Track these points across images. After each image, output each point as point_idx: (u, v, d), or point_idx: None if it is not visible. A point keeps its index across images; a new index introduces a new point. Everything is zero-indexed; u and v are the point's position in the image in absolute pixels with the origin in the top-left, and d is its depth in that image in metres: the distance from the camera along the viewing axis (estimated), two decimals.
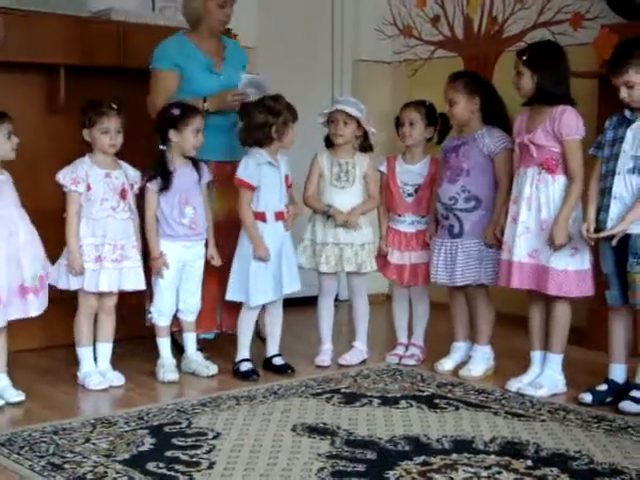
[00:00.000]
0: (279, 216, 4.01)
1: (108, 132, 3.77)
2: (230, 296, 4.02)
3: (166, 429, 3.26)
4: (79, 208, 3.75)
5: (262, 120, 3.92)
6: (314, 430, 3.26)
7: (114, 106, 3.81)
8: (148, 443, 3.10)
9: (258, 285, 3.95)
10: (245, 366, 4.05)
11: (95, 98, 3.86)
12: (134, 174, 3.91)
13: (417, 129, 4.16)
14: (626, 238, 3.48)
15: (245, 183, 3.94)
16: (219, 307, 4.27)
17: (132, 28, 4.73)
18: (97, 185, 3.76)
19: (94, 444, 3.09)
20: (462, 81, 4.03)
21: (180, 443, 3.11)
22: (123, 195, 3.83)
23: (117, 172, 3.84)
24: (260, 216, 3.98)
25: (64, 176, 3.74)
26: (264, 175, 3.96)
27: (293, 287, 4.05)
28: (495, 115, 4.03)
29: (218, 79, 4.29)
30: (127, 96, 4.60)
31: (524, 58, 3.71)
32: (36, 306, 3.61)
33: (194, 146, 3.94)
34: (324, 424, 3.33)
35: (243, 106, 4.07)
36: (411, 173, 4.23)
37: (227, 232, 4.18)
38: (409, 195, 4.22)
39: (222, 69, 4.33)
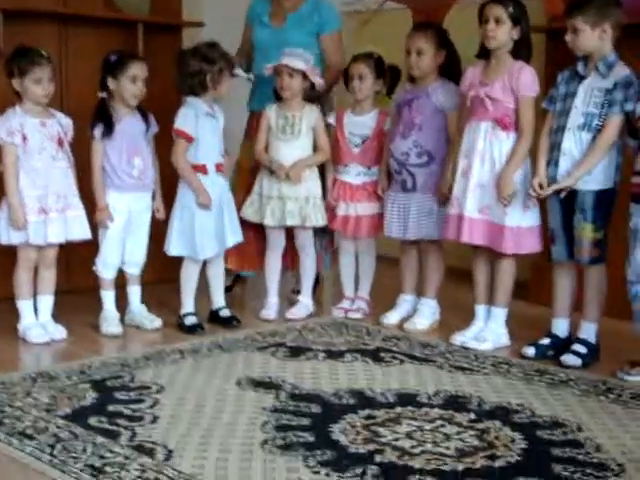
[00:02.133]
0: (219, 167, 3.97)
1: (41, 82, 3.65)
2: (172, 251, 3.96)
3: (108, 383, 3.22)
4: (16, 160, 3.64)
5: (197, 68, 3.85)
6: (259, 384, 3.25)
7: (45, 54, 3.70)
8: (90, 397, 3.06)
9: (204, 237, 3.92)
10: (190, 320, 4.02)
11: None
12: (67, 122, 3.81)
13: (367, 82, 4.11)
14: (574, 194, 3.49)
15: (183, 133, 3.88)
16: None
17: None
18: (33, 135, 3.65)
19: (35, 398, 3.03)
20: (433, 32, 3.98)
21: (123, 397, 3.07)
22: (60, 143, 3.73)
23: (51, 120, 3.74)
24: (201, 168, 3.93)
25: None
26: (203, 126, 3.91)
27: (236, 239, 4.03)
28: (451, 70, 3.99)
29: (271, 32, 4.33)
30: (66, 44, 4.57)
31: (510, 9, 3.65)
32: None
33: (133, 94, 3.84)
34: (269, 378, 3.32)
35: (179, 54, 4.04)
36: (359, 124, 4.19)
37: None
38: (356, 146, 4.18)
39: (283, 24, 4.32)
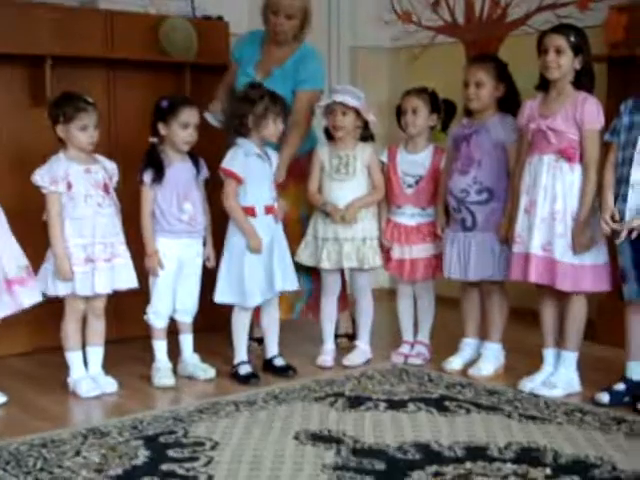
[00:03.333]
0: (269, 210, 3.83)
1: (87, 129, 3.57)
2: (220, 298, 3.83)
3: (161, 439, 3.08)
4: (61, 209, 3.55)
5: (239, 109, 3.76)
6: (318, 438, 3.08)
7: (90, 100, 3.62)
8: (142, 456, 2.92)
9: (254, 283, 3.78)
10: (244, 369, 3.88)
11: (73, 90, 3.69)
12: (112, 166, 3.72)
13: (420, 117, 3.97)
14: None
15: (231, 173, 3.76)
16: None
17: (121, 16, 4.56)
18: (78, 182, 3.55)
19: (85, 457, 2.90)
20: (493, 64, 3.85)
21: (176, 455, 2.93)
22: (106, 189, 3.63)
23: (96, 166, 3.65)
24: (249, 211, 3.79)
25: (42, 176, 3.53)
26: (253, 167, 3.79)
27: (287, 285, 3.86)
28: (510, 104, 3.83)
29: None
30: (114, 88, 4.51)
31: (571, 38, 3.50)
32: (27, 295, 3.46)
33: (184, 141, 3.75)
34: (329, 431, 3.15)
35: (226, 95, 3.99)
36: (413, 163, 4.04)
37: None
38: (409, 186, 4.03)
39: (268, 78, 4.14)
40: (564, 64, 3.51)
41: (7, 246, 3.47)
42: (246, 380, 3.81)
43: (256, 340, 4.32)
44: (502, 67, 3.86)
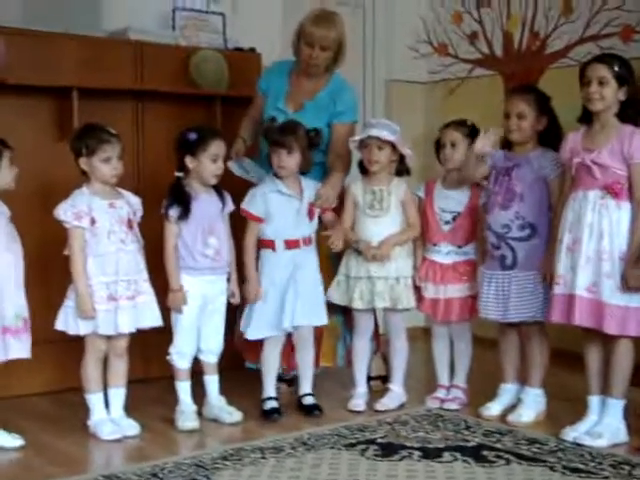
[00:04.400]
0: (291, 244, 3.73)
1: (110, 161, 3.45)
2: (241, 327, 3.78)
3: None
4: (84, 244, 3.43)
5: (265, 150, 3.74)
6: None
7: (113, 132, 3.51)
8: None
9: (254, 318, 3.74)
10: (268, 405, 3.78)
11: (96, 122, 3.58)
12: (136, 201, 3.61)
13: (460, 151, 3.82)
14: None
15: (247, 213, 3.75)
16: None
17: (150, 48, 4.48)
18: (102, 217, 3.44)
19: None
20: (535, 96, 3.70)
21: None
22: (130, 225, 3.51)
23: (120, 201, 3.53)
24: (269, 244, 3.75)
25: (65, 211, 3.41)
26: (272, 204, 3.73)
27: (301, 321, 3.73)
28: (552, 139, 3.66)
29: (284, 115, 4.02)
30: (142, 121, 4.41)
31: (615, 68, 3.34)
32: (17, 348, 3.33)
33: (213, 174, 3.63)
34: None
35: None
36: (450, 199, 3.88)
37: None
38: (446, 223, 3.87)
39: (300, 111, 4.05)
40: (608, 95, 3.35)
41: (14, 294, 3.36)
42: (268, 415, 3.72)
43: (286, 381, 4.17)
44: (544, 99, 3.70)
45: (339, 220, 3.87)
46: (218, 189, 3.73)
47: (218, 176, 3.67)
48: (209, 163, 3.62)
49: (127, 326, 3.45)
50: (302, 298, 3.71)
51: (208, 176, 3.64)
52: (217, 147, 3.63)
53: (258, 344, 3.84)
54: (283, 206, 3.74)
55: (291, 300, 3.70)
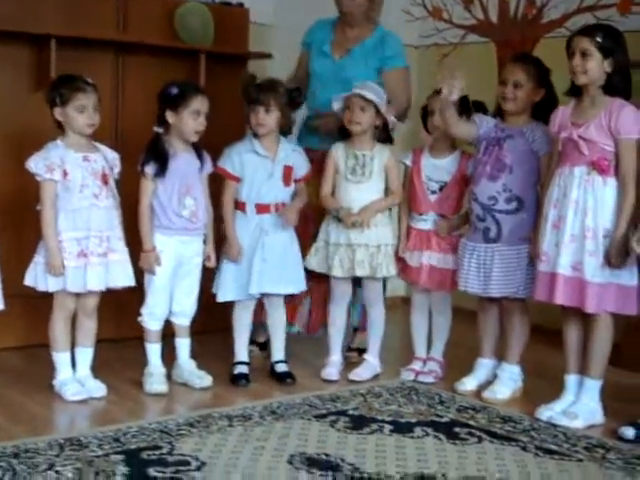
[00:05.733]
0: (261, 209, 3.65)
1: (85, 110, 3.33)
2: (213, 288, 3.72)
3: (144, 455, 2.82)
4: (55, 198, 3.31)
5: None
6: (314, 463, 2.82)
7: (90, 81, 3.38)
8: (120, 473, 2.66)
9: (223, 280, 3.68)
10: (237, 369, 3.73)
11: (81, 74, 3.44)
12: (113, 156, 3.49)
13: None
14: None
15: (223, 171, 3.68)
16: (307, 304, 4.09)
17: None
18: (75, 171, 3.31)
19: (57, 472, 2.65)
20: (534, 66, 3.58)
21: (157, 474, 2.67)
22: (105, 180, 3.39)
23: (95, 155, 3.41)
24: (240, 206, 3.69)
25: (36, 163, 3.29)
26: (246, 164, 3.65)
27: (267, 288, 3.66)
28: (547, 112, 3.52)
29: (332, 64, 4.02)
30: (123, 74, 4.28)
31: (598, 39, 3.22)
32: None
33: (194, 130, 3.52)
34: (326, 455, 2.89)
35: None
36: (437, 168, 3.78)
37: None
38: (433, 192, 3.77)
39: (346, 56, 4.01)
40: (591, 68, 3.22)
41: None
42: (236, 380, 3.68)
43: (258, 344, 4.09)
44: (544, 71, 3.58)
45: (303, 194, 3.76)
46: (198, 149, 3.63)
47: (199, 133, 3.56)
48: (190, 119, 3.51)
49: (96, 284, 3.35)
50: (270, 265, 3.63)
51: (188, 132, 3.53)
52: (199, 103, 3.52)
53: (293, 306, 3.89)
54: (256, 167, 3.65)
55: (257, 266, 3.61)
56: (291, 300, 3.94)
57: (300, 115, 4.11)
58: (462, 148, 3.81)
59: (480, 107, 3.75)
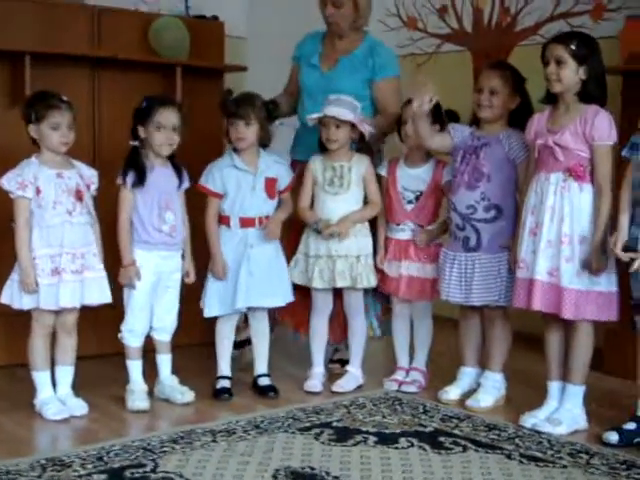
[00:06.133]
0: (245, 222, 3.64)
1: (59, 128, 3.32)
2: (201, 304, 3.71)
3: (127, 473, 2.80)
4: (29, 216, 3.29)
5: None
6: (299, 476, 2.81)
7: (65, 99, 3.37)
8: None
9: (209, 295, 3.68)
10: (219, 384, 3.71)
11: (48, 89, 3.43)
12: (90, 173, 3.47)
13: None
14: None
15: (206, 190, 3.66)
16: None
17: (108, 14, 4.32)
18: (48, 187, 3.29)
19: None
20: (510, 73, 3.58)
21: None
22: (79, 197, 3.37)
23: (70, 172, 3.39)
24: (224, 220, 3.68)
25: (9, 180, 3.28)
26: (228, 179, 3.64)
27: (254, 302, 3.65)
28: (522, 120, 3.53)
29: (320, 76, 4.02)
30: (99, 89, 4.27)
31: (572, 47, 3.23)
32: None
33: (159, 143, 3.50)
34: (311, 468, 2.88)
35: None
36: (412, 178, 3.78)
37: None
38: (409, 202, 3.77)
39: (334, 68, 4.00)
40: (566, 76, 3.24)
41: None
42: (217, 395, 3.67)
43: (239, 344, 4.11)
44: (519, 78, 3.59)
45: (287, 206, 3.75)
46: (175, 165, 3.61)
47: (167, 147, 3.52)
48: (154, 132, 3.49)
49: (69, 301, 3.32)
50: (256, 278, 3.62)
51: (155, 146, 3.51)
52: (162, 116, 3.50)
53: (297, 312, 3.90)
54: (238, 181, 3.64)
55: (243, 280, 3.60)
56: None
57: (291, 126, 4.12)
58: (437, 157, 3.81)
59: (453, 116, 3.76)
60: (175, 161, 3.61)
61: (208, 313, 3.68)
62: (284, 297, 3.75)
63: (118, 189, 3.53)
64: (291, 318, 4.04)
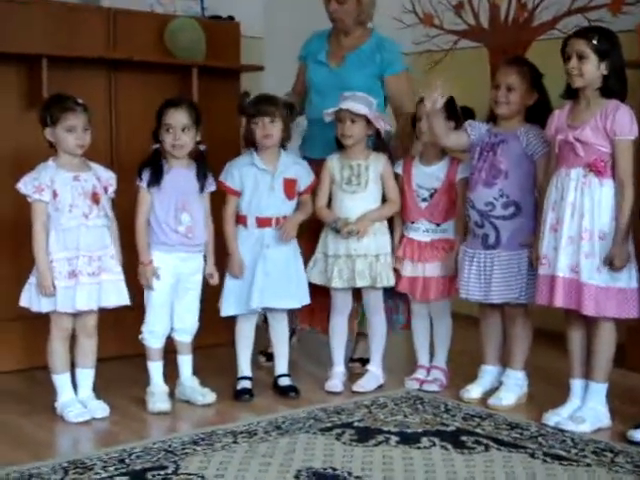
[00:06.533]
0: (262, 222, 3.63)
1: (74, 130, 3.32)
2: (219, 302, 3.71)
3: (149, 475, 2.80)
4: (46, 219, 3.30)
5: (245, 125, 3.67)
6: (321, 477, 2.80)
7: (80, 101, 3.37)
8: None
9: (226, 295, 3.67)
10: (240, 384, 3.71)
11: (65, 92, 3.43)
12: (108, 175, 3.46)
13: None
14: None
15: (225, 186, 3.66)
16: None
17: (124, 15, 4.32)
18: (64, 191, 3.30)
19: None
20: (528, 70, 3.55)
21: None
22: (95, 199, 3.37)
23: (86, 174, 3.39)
24: (242, 219, 3.68)
25: (26, 184, 3.29)
26: (246, 177, 3.63)
27: (269, 302, 3.63)
28: (540, 117, 3.52)
29: (329, 72, 4.02)
30: (115, 91, 4.26)
31: (594, 42, 3.20)
32: None
33: (169, 144, 3.49)
34: (333, 469, 2.86)
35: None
36: (427, 175, 3.75)
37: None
38: (423, 200, 3.75)
39: (342, 64, 4.00)
40: (588, 71, 3.21)
41: None
42: (238, 396, 3.66)
43: (266, 354, 4.09)
44: (537, 74, 3.56)
45: (307, 207, 3.74)
46: (202, 166, 3.60)
47: (175, 147, 3.49)
48: (164, 134, 3.49)
49: (85, 304, 3.32)
50: (271, 279, 3.61)
51: (167, 147, 3.51)
52: (170, 117, 3.49)
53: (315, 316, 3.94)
54: (256, 180, 3.63)
55: (259, 280, 3.59)
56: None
57: (301, 125, 4.11)
58: (452, 154, 3.78)
59: (468, 113, 3.74)
60: (202, 163, 3.59)
61: (224, 312, 3.68)
62: (300, 299, 3.73)
63: (137, 190, 3.53)
64: (310, 323, 4.04)
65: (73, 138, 3.31)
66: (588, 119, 3.23)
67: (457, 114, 3.72)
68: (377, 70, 3.99)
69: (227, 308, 3.67)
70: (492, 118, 3.64)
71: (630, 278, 3.24)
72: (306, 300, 3.75)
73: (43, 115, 3.34)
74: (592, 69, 3.21)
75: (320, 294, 3.83)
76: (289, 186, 3.65)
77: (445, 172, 3.73)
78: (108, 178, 3.45)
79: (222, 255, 3.70)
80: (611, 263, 3.18)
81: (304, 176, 3.71)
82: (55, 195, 3.28)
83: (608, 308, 3.23)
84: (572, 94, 3.33)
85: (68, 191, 3.30)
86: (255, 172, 3.63)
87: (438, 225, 3.74)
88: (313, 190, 3.77)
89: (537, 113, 3.53)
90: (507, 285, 3.53)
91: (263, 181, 3.63)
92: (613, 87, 3.24)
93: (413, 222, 3.76)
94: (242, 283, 3.63)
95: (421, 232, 3.75)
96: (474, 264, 3.60)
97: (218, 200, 3.70)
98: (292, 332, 4.06)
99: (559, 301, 3.25)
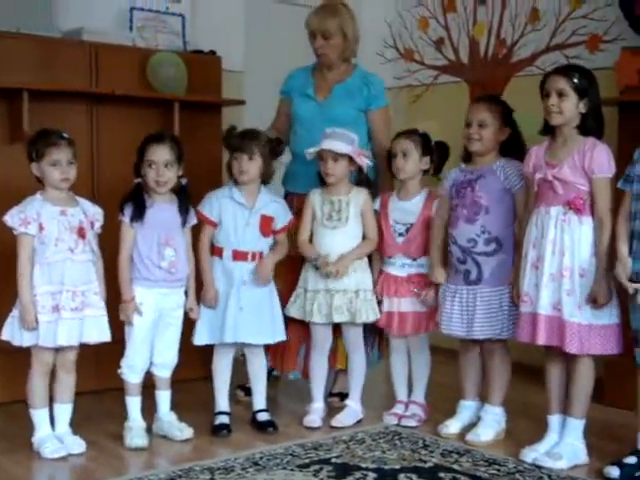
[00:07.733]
0: (239, 256, 3.63)
1: (58, 164, 3.32)
2: (198, 340, 3.71)
3: None
4: (32, 253, 3.30)
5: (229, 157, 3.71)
6: None
7: (65, 135, 3.38)
8: None
9: (200, 323, 3.67)
10: (218, 419, 3.69)
11: (51, 127, 3.43)
12: (95, 210, 3.47)
13: (411, 160, 3.71)
14: None
15: (202, 216, 3.68)
16: (303, 348, 4.00)
17: (106, 49, 4.33)
18: (51, 224, 3.30)
19: None
20: (499, 106, 3.60)
21: None
22: (81, 234, 3.37)
23: (73, 209, 3.39)
24: (217, 251, 3.68)
25: (12, 217, 3.28)
26: (224, 210, 3.65)
27: (242, 337, 3.62)
28: (513, 150, 3.57)
29: (315, 106, 4.04)
30: (97, 125, 4.28)
31: (574, 80, 3.25)
32: None
33: (152, 180, 3.50)
34: None
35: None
36: (403, 210, 3.77)
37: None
38: (400, 235, 3.77)
39: (329, 96, 4.04)
40: (567, 109, 3.25)
41: None
42: (216, 431, 3.64)
43: (244, 389, 4.10)
44: (508, 111, 3.60)
45: (282, 246, 3.75)
46: (183, 201, 3.61)
47: (158, 183, 3.50)
48: (147, 169, 3.50)
49: (66, 339, 3.30)
50: (245, 314, 3.60)
51: (150, 183, 3.51)
52: (152, 153, 3.50)
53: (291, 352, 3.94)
54: (234, 214, 3.64)
55: (232, 314, 3.59)
56: (288, 347, 3.94)
57: (283, 160, 4.14)
58: (429, 189, 3.81)
59: (442, 147, 3.78)
60: (184, 197, 3.60)
61: (197, 341, 3.68)
62: (274, 335, 3.72)
63: (119, 225, 3.54)
64: (282, 363, 4.03)
65: (58, 173, 3.32)
66: (566, 157, 3.27)
67: (431, 149, 3.76)
68: (363, 103, 4.03)
69: (200, 337, 3.67)
70: (467, 156, 3.67)
71: (611, 314, 3.26)
72: (281, 336, 3.74)
73: (29, 150, 3.36)
74: (571, 107, 3.25)
75: (294, 334, 3.86)
76: (265, 223, 3.67)
77: (421, 207, 3.76)
78: (95, 213, 3.46)
79: (197, 284, 3.70)
80: (594, 300, 3.21)
81: (281, 215, 3.73)
82: (41, 228, 3.28)
83: (592, 346, 3.25)
84: (549, 131, 3.36)
85: (54, 225, 3.30)
86: (234, 205, 3.64)
87: (414, 260, 3.75)
88: (290, 230, 3.78)
89: (511, 148, 3.57)
90: (489, 321, 3.54)
91: (240, 215, 3.64)
92: (591, 125, 3.28)
93: (390, 257, 3.78)
94: (215, 313, 3.63)
95: (398, 267, 3.77)
96: (456, 300, 3.61)
97: (197, 231, 3.71)
98: (272, 367, 4.06)
99: (542, 339, 3.27)
